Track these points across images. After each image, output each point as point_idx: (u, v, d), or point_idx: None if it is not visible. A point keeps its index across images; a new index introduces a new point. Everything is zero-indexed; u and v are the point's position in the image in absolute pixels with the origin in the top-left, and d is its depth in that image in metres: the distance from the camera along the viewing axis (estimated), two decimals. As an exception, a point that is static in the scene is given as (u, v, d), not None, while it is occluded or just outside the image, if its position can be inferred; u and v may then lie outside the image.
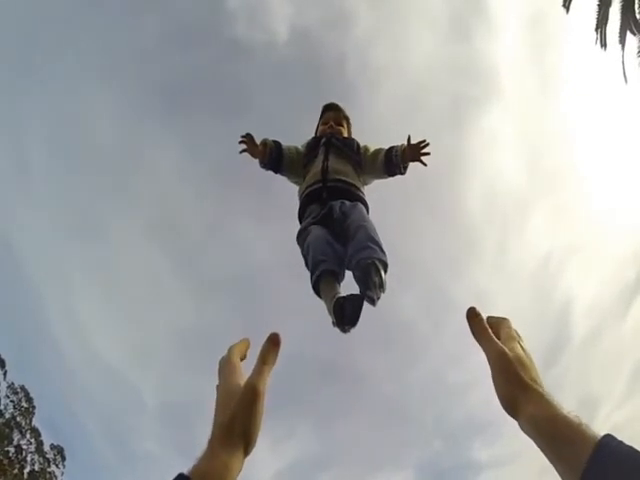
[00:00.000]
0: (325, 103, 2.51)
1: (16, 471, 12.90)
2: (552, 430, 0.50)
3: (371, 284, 1.60)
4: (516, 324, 0.66)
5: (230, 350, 0.64)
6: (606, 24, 6.27)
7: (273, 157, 2.18)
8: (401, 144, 2.09)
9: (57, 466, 14.42)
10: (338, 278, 1.78)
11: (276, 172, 2.26)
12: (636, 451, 0.45)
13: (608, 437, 0.47)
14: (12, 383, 14.59)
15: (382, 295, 1.63)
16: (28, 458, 13.91)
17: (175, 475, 0.48)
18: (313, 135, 2.40)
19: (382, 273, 1.65)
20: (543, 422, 0.51)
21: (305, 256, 1.88)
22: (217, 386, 0.60)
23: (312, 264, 1.80)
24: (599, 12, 6.19)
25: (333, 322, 1.65)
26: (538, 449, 0.52)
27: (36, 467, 13.89)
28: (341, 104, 2.50)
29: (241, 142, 2.15)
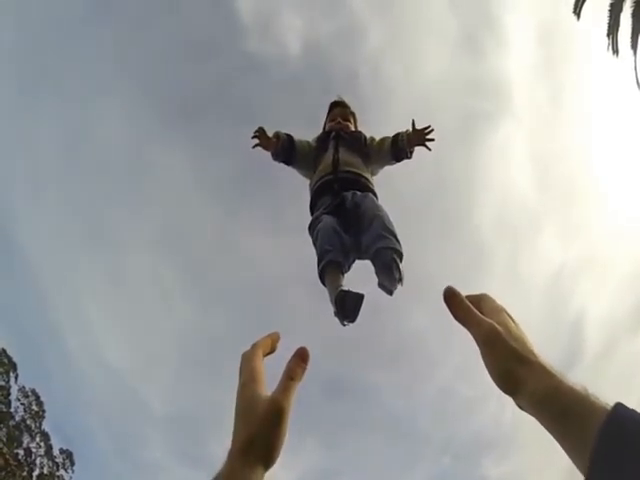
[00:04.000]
0: (332, 100, 2.59)
1: (25, 474, 12.93)
2: (557, 404, 0.46)
3: (392, 279, 1.68)
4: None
5: (254, 347, 0.60)
6: (617, 30, 6.33)
7: (285, 149, 2.25)
8: (406, 130, 2.16)
9: (66, 470, 14.43)
10: (343, 269, 1.84)
11: (288, 164, 2.31)
12: None
13: (620, 406, 0.43)
14: (23, 386, 14.72)
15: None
16: (37, 461, 13.96)
17: None
18: (321, 132, 2.49)
19: (400, 267, 1.72)
20: (547, 396, 0.47)
21: (314, 244, 1.96)
22: (237, 390, 0.57)
23: (319, 253, 1.86)
24: (610, 18, 6.26)
25: (334, 312, 1.71)
26: (547, 439, 0.48)
27: (45, 470, 13.91)
28: (347, 99, 2.59)
29: (254, 137, 2.20)
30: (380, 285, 1.70)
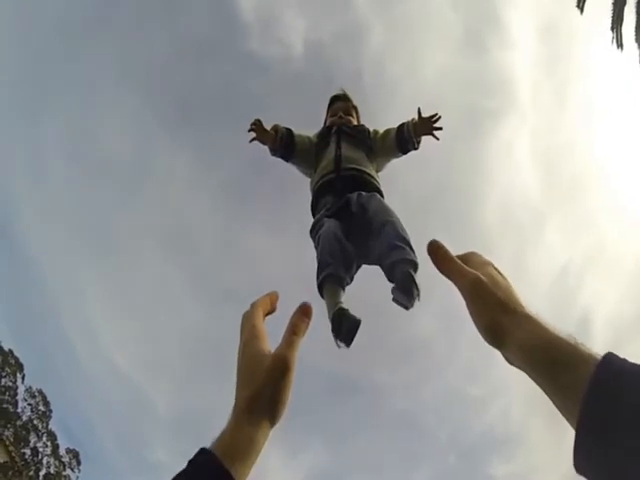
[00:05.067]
0: (333, 93, 2.43)
1: (32, 473, 13.01)
2: (546, 354, 0.45)
3: (410, 298, 1.56)
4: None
5: (253, 306, 0.59)
6: (621, 24, 6.25)
7: (284, 143, 2.08)
8: (411, 119, 2.03)
9: (72, 470, 14.52)
10: (343, 284, 1.70)
11: (287, 160, 2.15)
12: None
13: (610, 355, 0.41)
14: (30, 387, 14.81)
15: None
16: (44, 461, 14.05)
17: (197, 450, 0.46)
18: (322, 127, 2.33)
19: (417, 281, 1.59)
20: (535, 347, 0.46)
21: (316, 249, 1.86)
22: (239, 349, 0.56)
23: (318, 264, 1.72)
24: (614, 11, 6.18)
25: (331, 329, 1.64)
26: (538, 391, 0.46)
27: (51, 470, 14.00)
28: (349, 92, 2.42)
29: (250, 130, 2.05)
30: (395, 301, 1.56)
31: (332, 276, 1.66)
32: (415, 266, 1.55)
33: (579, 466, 0.40)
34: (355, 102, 2.40)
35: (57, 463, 14.27)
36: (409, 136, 2.03)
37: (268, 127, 2.09)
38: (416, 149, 2.10)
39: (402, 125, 2.08)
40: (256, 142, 2.10)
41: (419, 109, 2.00)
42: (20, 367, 14.77)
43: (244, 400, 0.50)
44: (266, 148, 2.12)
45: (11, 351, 14.66)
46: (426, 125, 1.99)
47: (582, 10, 6.69)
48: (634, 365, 0.40)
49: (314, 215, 1.99)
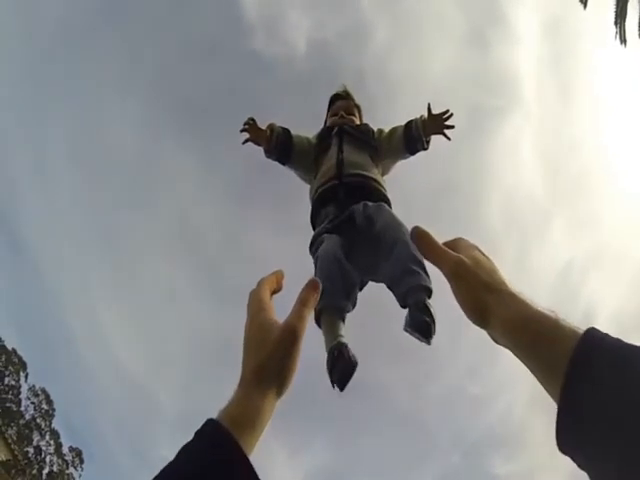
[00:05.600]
0: (334, 92, 2.20)
1: (35, 472, 13.05)
2: (528, 331, 0.45)
3: (427, 334, 1.32)
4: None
5: (260, 283, 0.59)
6: (625, 19, 6.17)
7: (280, 144, 1.87)
8: (420, 116, 1.83)
9: (75, 468, 14.57)
10: (343, 314, 1.53)
11: (283, 163, 1.92)
12: (622, 343, 0.40)
13: (592, 330, 0.42)
14: (33, 385, 14.86)
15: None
16: (47, 459, 14.10)
17: (204, 421, 0.45)
18: (322, 127, 2.09)
19: (433, 311, 1.40)
20: (518, 324, 0.46)
21: (315, 266, 1.59)
22: (246, 323, 0.56)
23: None
24: (617, 6, 6.10)
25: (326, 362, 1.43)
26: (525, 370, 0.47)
27: (55, 468, 14.05)
28: (351, 89, 2.20)
29: (243, 130, 1.84)
30: (407, 332, 1.35)
31: (330, 307, 1.48)
32: (430, 292, 1.39)
33: (562, 445, 0.40)
34: (357, 100, 2.18)
35: (60, 461, 14.33)
36: (418, 135, 1.82)
37: (263, 126, 1.88)
38: (425, 149, 1.89)
39: (410, 123, 1.87)
40: (250, 143, 1.89)
41: (429, 105, 1.80)
42: (23, 366, 14.82)
43: (252, 369, 0.50)
44: (262, 149, 1.89)
45: (14, 350, 14.72)
46: (437, 123, 1.79)
47: (585, 5, 6.61)
48: (615, 340, 0.40)
49: (314, 227, 1.78)
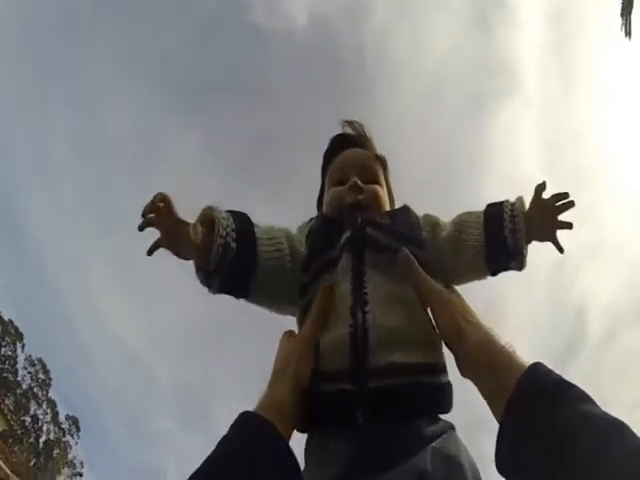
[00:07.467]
0: (332, 135, 0.97)
1: (32, 440, 13.40)
2: (488, 353, 0.53)
3: None
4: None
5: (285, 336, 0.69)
6: (631, 11, 5.99)
7: (232, 258, 0.71)
8: (516, 199, 0.88)
9: (72, 436, 14.94)
10: None
11: (237, 295, 0.76)
12: (563, 380, 0.45)
13: (537, 365, 0.48)
14: (29, 355, 15.09)
15: None
16: (44, 428, 14.45)
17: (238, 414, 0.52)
18: (316, 205, 0.98)
19: None
20: (481, 345, 0.54)
21: None
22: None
23: None
24: (624, -1, 5.91)
25: None
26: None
27: (51, 436, 14.41)
28: (364, 124, 0.98)
29: (142, 225, 0.68)
30: None
31: None
32: None
33: (499, 467, 0.46)
34: (377, 146, 0.97)
35: (57, 430, 14.69)
36: (514, 245, 0.81)
37: (189, 215, 0.72)
38: (520, 269, 0.86)
39: (494, 216, 0.85)
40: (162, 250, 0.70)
41: (540, 187, 0.80)
42: (20, 336, 14.99)
43: (274, 373, 0.61)
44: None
45: (11, 321, 14.86)
46: (552, 218, 0.85)
47: (591, -5, 6.39)
48: (557, 376, 0.45)
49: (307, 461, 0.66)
